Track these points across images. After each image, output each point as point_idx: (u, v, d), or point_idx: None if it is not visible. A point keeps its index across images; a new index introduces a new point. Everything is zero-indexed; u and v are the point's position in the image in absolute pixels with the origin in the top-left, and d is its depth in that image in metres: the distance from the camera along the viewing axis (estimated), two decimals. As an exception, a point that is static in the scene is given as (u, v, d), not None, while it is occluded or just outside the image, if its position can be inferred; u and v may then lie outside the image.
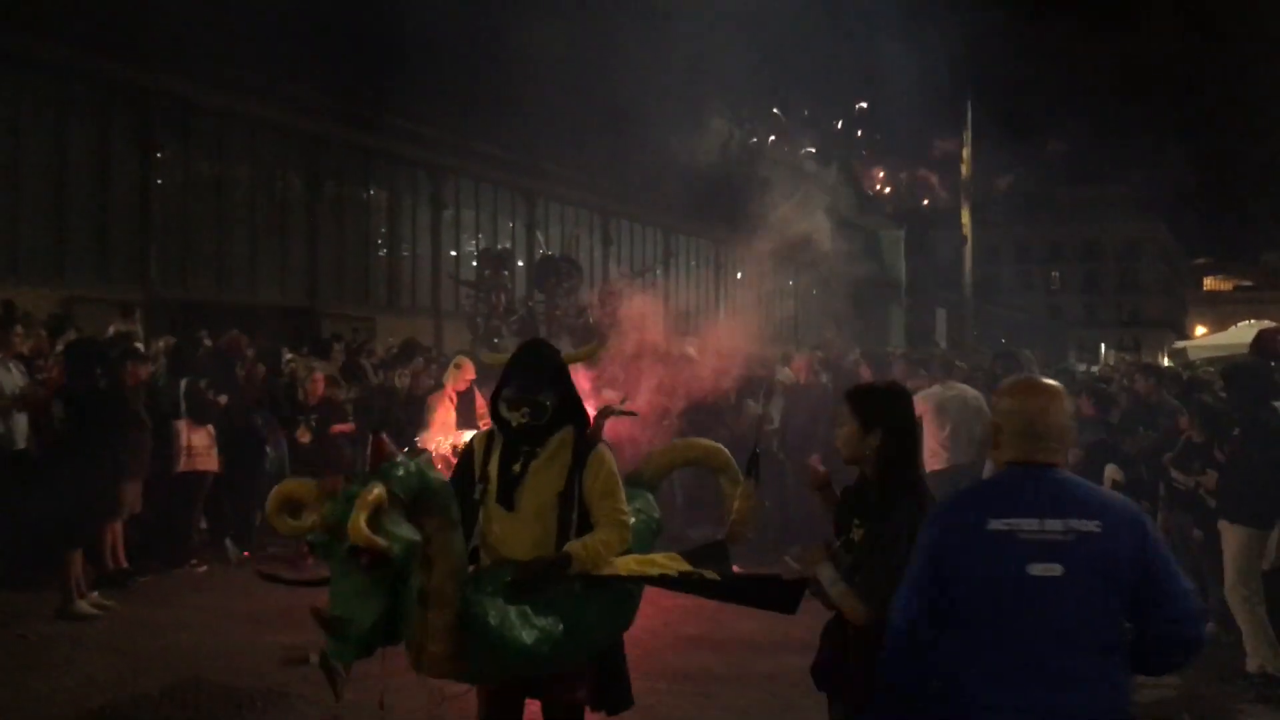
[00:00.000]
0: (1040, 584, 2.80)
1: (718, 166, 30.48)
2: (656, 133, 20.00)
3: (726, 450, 4.63)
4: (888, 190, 49.50)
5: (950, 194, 44.23)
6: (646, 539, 4.21)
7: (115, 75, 17.57)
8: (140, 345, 10.12)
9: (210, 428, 9.52)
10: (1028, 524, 2.84)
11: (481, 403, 8.65)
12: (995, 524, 2.86)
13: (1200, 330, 50.02)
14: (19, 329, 8.93)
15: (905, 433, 3.66)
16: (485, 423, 8.21)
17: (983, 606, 2.84)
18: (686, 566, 3.94)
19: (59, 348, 9.44)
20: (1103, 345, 50.60)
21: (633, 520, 4.00)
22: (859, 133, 41.96)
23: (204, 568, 9.42)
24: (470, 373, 9.32)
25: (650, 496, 4.49)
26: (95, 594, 8.04)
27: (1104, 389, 10.11)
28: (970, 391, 9.80)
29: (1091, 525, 2.84)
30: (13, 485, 8.23)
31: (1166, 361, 22.21)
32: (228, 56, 18.21)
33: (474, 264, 19.55)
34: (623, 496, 3.93)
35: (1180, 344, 23.17)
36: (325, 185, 21.73)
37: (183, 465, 9.18)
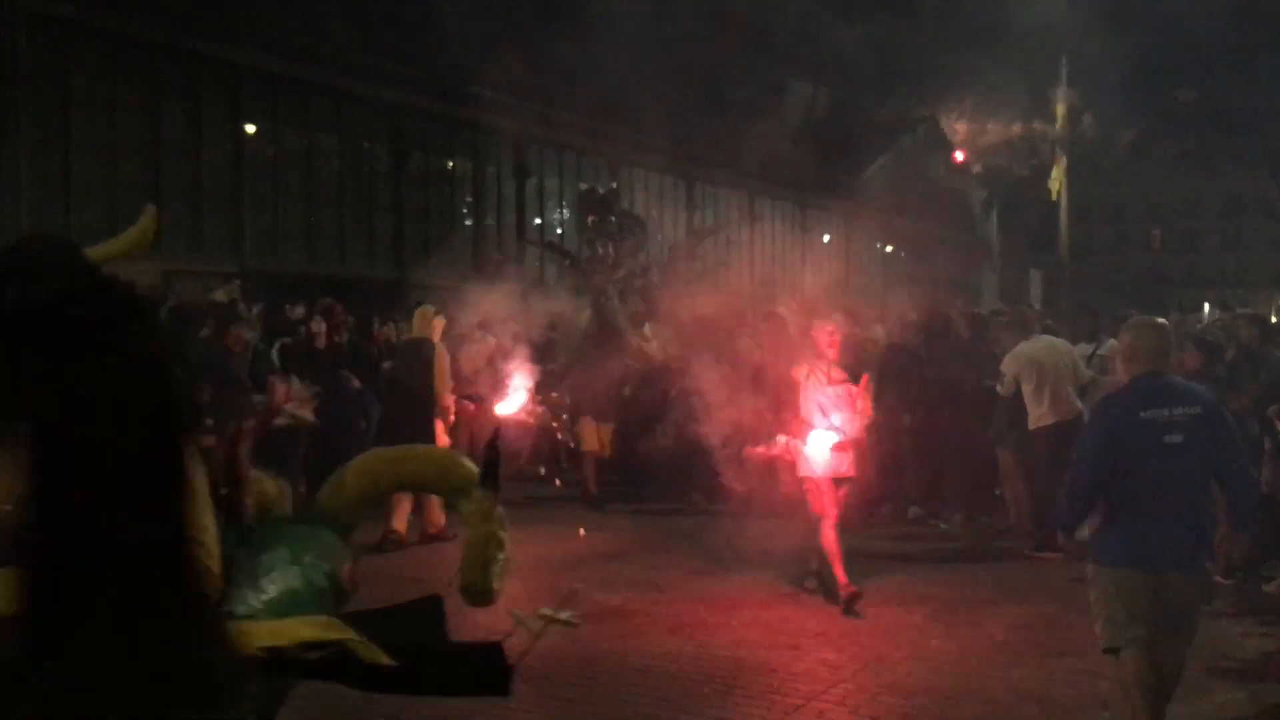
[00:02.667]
0: (1171, 448, 4.50)
1: (802, 128, 30.09)
2: (740, 94, 19.77)
3: (465, 462, 3.27)
4: (978, 150, 48.37)
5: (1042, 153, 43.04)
6: (309, 601, 2.67)
7: (205, 52, 17.91)
8: (242, 310, 10.32)
9: (304, 384, 9.68)
10: (1161, 412, 4.54)
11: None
12: (1143, 414, 4.56)
13: (1309, 288, 48.11)
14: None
15: None
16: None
17: (1138, 463, 4.52)
18: (341, 634, 2.45)
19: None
20: (1206, 305, 49.00)
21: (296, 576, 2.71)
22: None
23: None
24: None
25: (338, 538, 3.05)
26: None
27: (1209, 340, 9.73)
28: (1060, 342, 9.55)
29: (1195, 410, 4.57)
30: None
31: (1274, 319, 21.39)
32: (313, 30, 18.44)
33: (561, 214, 19.19)
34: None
35: (1289, 299, 22.26)
36: (411, 156, 21.93)
37: (280, 421, 9.31)
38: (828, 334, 7.34)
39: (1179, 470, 4.49)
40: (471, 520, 3.05)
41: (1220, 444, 4.55)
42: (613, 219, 16.99)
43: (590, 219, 16.63)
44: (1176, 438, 4.47)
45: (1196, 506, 4.58)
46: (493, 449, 3.16)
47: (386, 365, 10.45)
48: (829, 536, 7.14)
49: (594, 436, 10.85)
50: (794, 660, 6.15)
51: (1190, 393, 4.68)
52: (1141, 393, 4.60)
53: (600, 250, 16.35)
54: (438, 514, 8.89)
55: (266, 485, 3.15)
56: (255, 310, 11.44)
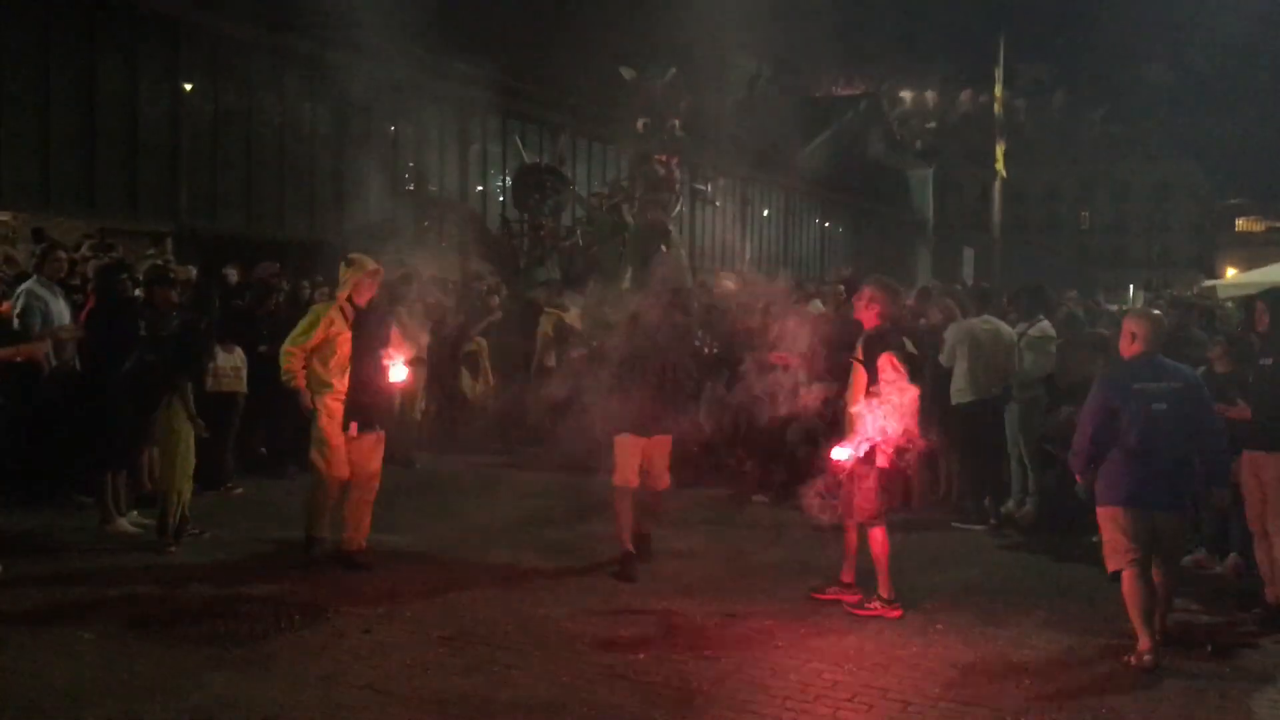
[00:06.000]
0: (1159, 415, 5.82)
1: (743, 104, 30.18)
2: (683, 70, 19.79)
3: None
4: (916, 128, 48.89)
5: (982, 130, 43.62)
6: None
7: (143, 6, 17.57)
8: (172, 272, 10.23)
9: (240, 351, 9.68)
10: (1150, 385, 5.87)
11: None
12: (1135, 386, 5.90)
13: (1231, 272, 49.43)
14: (61, 254, 9.05)
15: None
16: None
17: (1130, 429, 5.82)
18: None
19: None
20: (1131, 286, 50.14)
21: None
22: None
23: (239, 490, 9.62)
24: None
25: None
26: (135, 513, 8.25)
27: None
28: (1005, 327, 9.77)
29: (1178, 384, 5.93)
30: (58, 406, 8.44)
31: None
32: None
33: (504, 183, 18.91)
34: None
35: (1209, 283, 22.97)
36: (352, 120, 21.69)
37: (210, 387, 9.30)
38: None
39: (1163, 432, 5.81)
40: None
41: (1196, 412, 5.90)
42: (546, 185, 16.90)
43: (535, 196, 16.56)
44: (1162, 406, 5.83)
45: (1179, 460, 5.89)
46: None
47: None
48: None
49: None
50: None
51: (1175, 371, 6.02)
52: (1136, 369, 5.96)
53: (541, 223, 16.35)
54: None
55: None
56: (192, 271, 11.34)
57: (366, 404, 7.34)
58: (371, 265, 7.39)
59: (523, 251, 16.45)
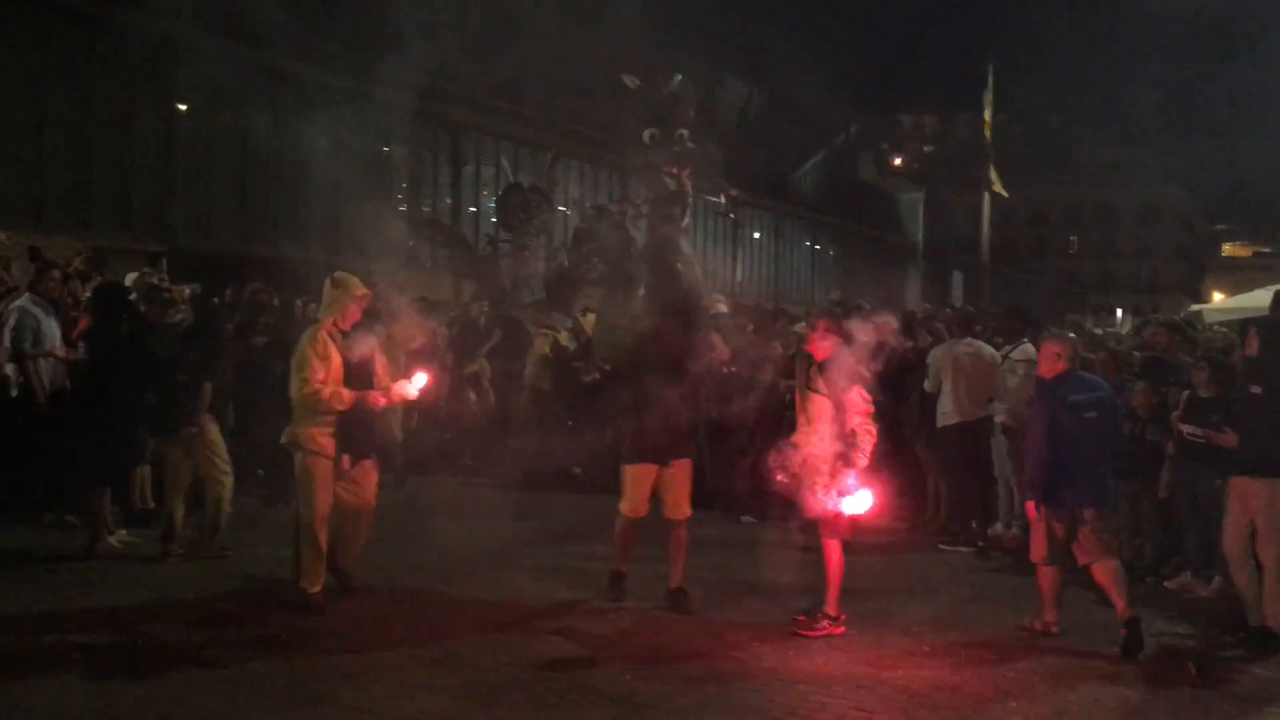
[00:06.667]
0: (1090, 421, 6.60)
1: (735, 126, 30.35)
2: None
3: None
4: (907, 152, 49.16)
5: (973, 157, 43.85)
6: None
7: (138, 27, 17.64)
8: (167, 293, 10.24)
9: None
10: (1082, 396, 6.64)
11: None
12: (1072, 397, 6.62)
13: (1218, 296, 49.69)
14: (54, 273, 9.07)
15: None
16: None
17: (1067, 433, 6.54)
18: None
19: (87, 293, 9.58)
20: (1119, 310, 50.38)
21: None
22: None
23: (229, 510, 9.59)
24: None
25: None
26: (123, 532, 8.24)
27: (1119, 349, 10.23)
28: (987, 349, 9.83)
29: (1103, 394, 6.78)
30: (48, 425, 8.46)
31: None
32: (250, 10, 18.23)
33: (492, 205, 19.15)
34: None
35: (1196, 307, 23.10)
36: (345, 140, 21.74)
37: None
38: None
39: (1091, 435, 6.60)
40: None
41: (1113, 418, 6.90)
42: (531, 204, 16.96)
43: (520, 216, 16.65)
44: (1092, 414, 6.61)
45: (1101, 460, 6.65)
46: None
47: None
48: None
49: None
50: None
51: (1095, 383, 6.98)
52: (1071, 384, 6.70)
53: (527, 243, 16.44)
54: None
55: None
56: (188, 291, 11.34)
57: (358, 433, 6.96)
58: (359, 289, 7.01)
59: (507, 272, 16.51)
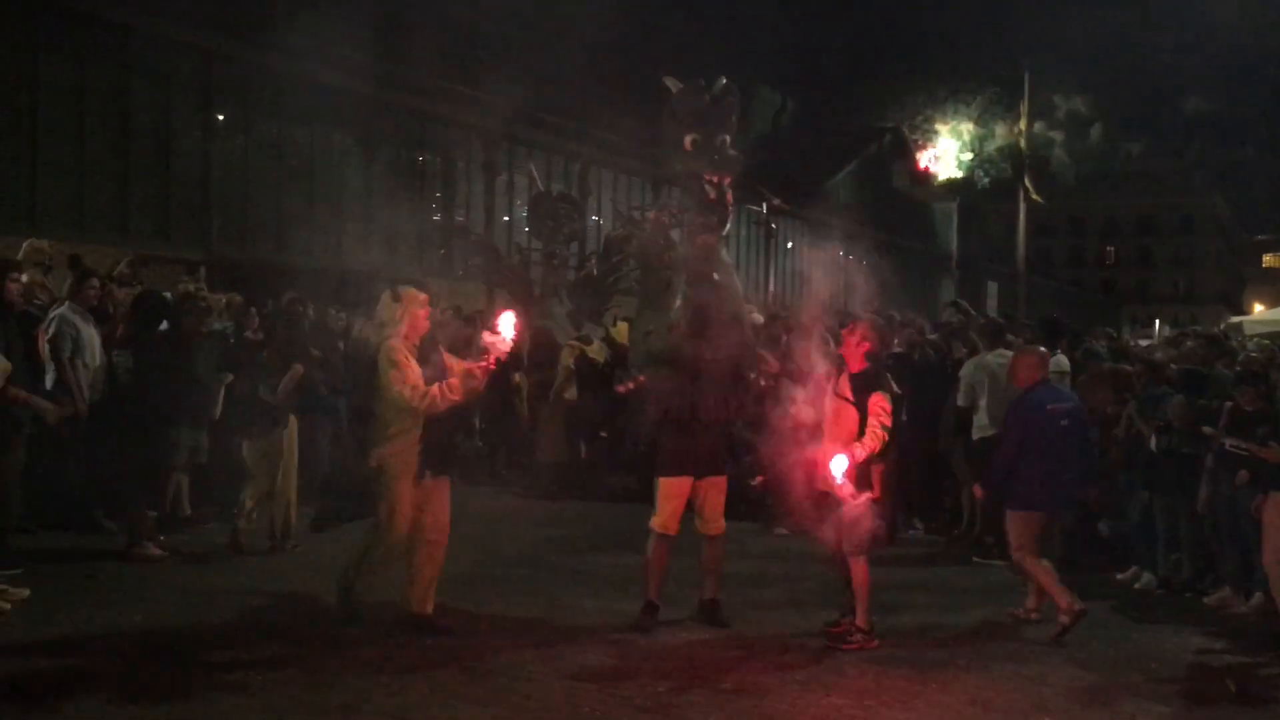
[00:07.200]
0: (1063, 428, 7.12)
1: (768, 135, 30.33)
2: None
3: None
4: (941, 161, 48.81)
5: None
6: None
7: (177, 37, 17.88)
8: (205, 301, 10.34)
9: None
10: (1058, 405, 7.20)
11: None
12: (1049, 406, 7.14)
13: (1258, 308, 49.04)
14: (94, 282, 9.17)
15: None
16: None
17: (1042, 440, 7.02)
18: None
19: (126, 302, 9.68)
20: (1157, 321, 49.83)
21: None
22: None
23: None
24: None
25: None
26: (161, 538, 8.32)
27: (1155, 360, 10.09)
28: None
29: (1071, 404, 7.40)
30: (86, 433, 8.57)
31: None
32: (286, 20, 18.45)
33: (524, 214, 19.20)
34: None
35: (1235, 319, 22.84)
36: (380, 150, 21.95)
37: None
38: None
39: (1065, 442, 7.12)
40: None
41: (1083, 426, 7.43)
42: (566, 224, 16.96)
43: (549, 223, 16.62)
44: (1065, 422, 7.13)
45: (1071, 466, 7.19)
46: None
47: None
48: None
49: None
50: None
51: (1067, 393, 7.77)
52: (1045, 394, 7.23)
53: (558, 253, 16.42)
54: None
55: None
56: (225, 300, 11.46)
57: (440, 445, 6.59)
58: (422, 295, 6.69)
59: (537, 281, 16.53)
